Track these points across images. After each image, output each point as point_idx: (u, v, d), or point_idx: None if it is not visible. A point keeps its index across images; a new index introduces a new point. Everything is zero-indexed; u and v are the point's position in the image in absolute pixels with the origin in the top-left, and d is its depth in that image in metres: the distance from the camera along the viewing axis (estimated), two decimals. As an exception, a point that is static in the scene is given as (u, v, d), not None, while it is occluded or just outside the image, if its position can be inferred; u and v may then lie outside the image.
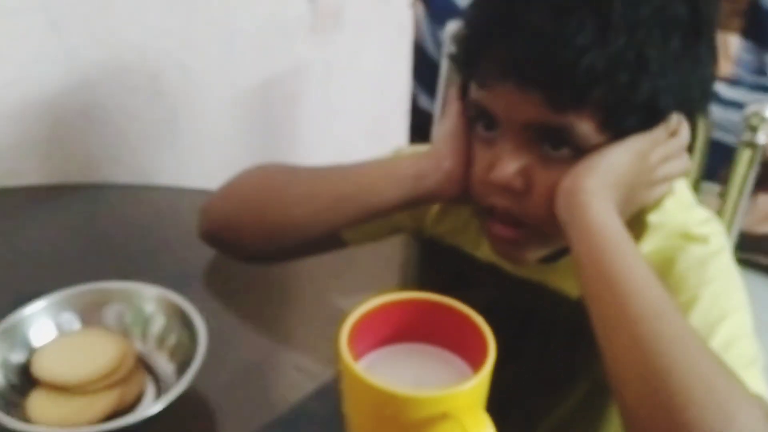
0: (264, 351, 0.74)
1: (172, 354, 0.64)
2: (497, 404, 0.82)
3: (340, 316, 0.81)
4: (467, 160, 0.69)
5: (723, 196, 0.91)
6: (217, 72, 1.17)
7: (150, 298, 0.66)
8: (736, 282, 0.68)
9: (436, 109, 1.15)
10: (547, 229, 0.67)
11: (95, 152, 1.07)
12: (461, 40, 0.67)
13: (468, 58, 0.66)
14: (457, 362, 0.56)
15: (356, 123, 1.48)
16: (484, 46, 0.64)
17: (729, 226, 0.91)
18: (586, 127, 0.61)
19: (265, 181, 0.77)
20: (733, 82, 2.61)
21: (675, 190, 0.72)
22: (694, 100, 0.66)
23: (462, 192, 0.70)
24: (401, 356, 0.56)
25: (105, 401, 0.60)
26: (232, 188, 0.78)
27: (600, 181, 0.61)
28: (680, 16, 0.61)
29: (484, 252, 0.81)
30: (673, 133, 0.65)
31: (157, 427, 0.58)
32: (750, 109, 0.86)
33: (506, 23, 0.61)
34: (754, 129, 0.87)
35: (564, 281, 0.76)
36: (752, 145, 0.87)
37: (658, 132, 0.64)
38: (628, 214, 0.66)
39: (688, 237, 0.69)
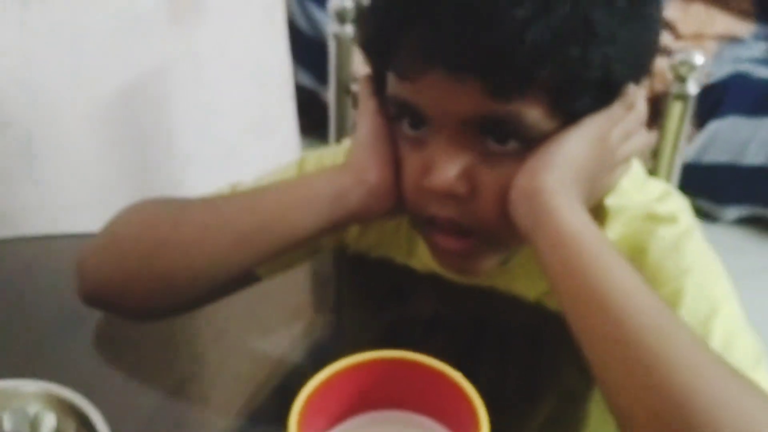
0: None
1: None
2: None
3: (264, 359, 0.70)
4: (394, 168, 0.58)
5: (655, 153, 0.84)
6: (68, 85, 1.00)
7: (31, 396, 0.52)
8: (714, 262, 0.61)
9: (330, 95, 1.02)
10: (501, 235, 0.57)
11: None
12: (369, 22, 0.55)
13: (381, 45, 0.55)
14: (438, 428, 0.46)
15: (238, 118, 1.33)
16: (401, 30, 0.52)
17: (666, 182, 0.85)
18: (534, 114, 0.52)
19: (149, 224, 0.62)
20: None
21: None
22: (646, 65, 0.57)
23: (393, 206, 0.59)
24: (372, 428, 0.46)
25: None
26: (109, 237, 0.63)
27: (561, 177, 0.52)
28: None
29: (421, 260, 0.70)
30: (630, 107, 0.56)
31: None
32: (677, 57, 0.79)
33: (423, 1, 0.50)
34: (682, 79, 0.79)
35: (517, 283, 0.67)
36: (683, 96, 0.80)
37: (616, 108, 0.55)
38: (592, 202, 0.57)
39: (654, 218, 0.62)
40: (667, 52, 2.33)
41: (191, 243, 0.59)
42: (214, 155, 1.29)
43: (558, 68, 0.50)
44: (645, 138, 0.59)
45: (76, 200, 1.03)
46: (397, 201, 0.59)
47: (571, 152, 0.53)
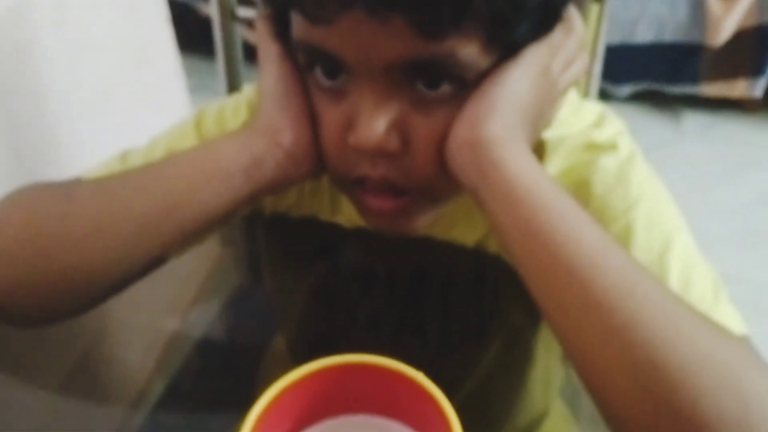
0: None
1: None
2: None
3: (184, 341, 0.64)
4: (311, 124, 0.51)
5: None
6: None
7: None
8: (660, 189, 0.58)
9: (214, 23, 0.92)
10: (438, 189, 0.52)
11: None
12: None
13: None
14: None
15: (111, 52, 1.20)
16: None
17: (587, 86, 0.81)
18: (469, 51, 0.45)
19: (33, 220, 0.52)
20: None
21: None
22: None
23: (314, 169, 0.52)
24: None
25: None
26: None
27: (506, 123, 0.46)
28: None
29: (346, 215, 0.64)
30: (570, 31, 0.51)
31: None
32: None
33: None
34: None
35: (453, 230, 0.63)
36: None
37: (556, 35, 0.49)
38: (536, 139, 0.52)
39: (594, 147, 0.58)
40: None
41: (84, 237, 0.51)
42: (91, 97, 1.16)
43: None
44: (583, 64, 0.53)
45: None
46: (318, 162, 0.52)
47: (513, 93, 0.47)
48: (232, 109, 0.62)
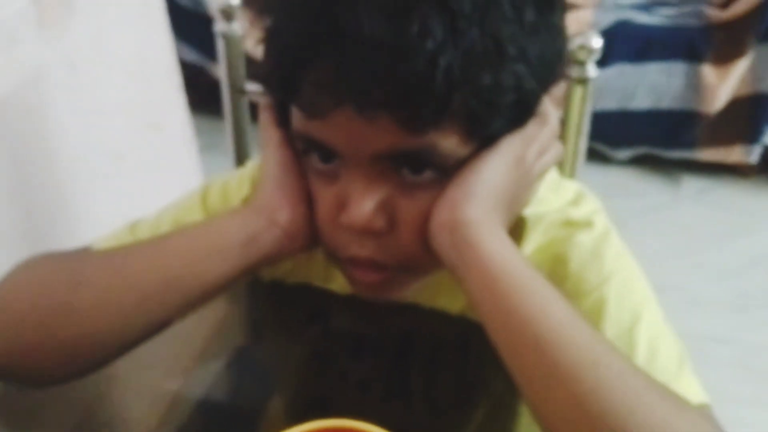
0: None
1: None
2: None
3: (184, 401, 0.67)
4: (307, 205, 0.55)
5: (561, 139, 0.83)
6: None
7: None
8: (633, 266, 0.62)
9: (224, 98, 0.97)
10: (419, 265, 0.55)
11: None
12: (269, 54, 0.51)
13: (283, 80, 0.51)
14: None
15: (124, 117, 1.25)
16: (305, 66, 0.48)
17: (572, 171, 0.85)
18: (449, 143, 0.50)
19: (45, 288, 0.57)
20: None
21: None
22: (558, 73, 0.55)
23: (308, 244, 0.56)
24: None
25: None
26: (1, 304, 0.57)
27: (482, 207, 0.50)
28: None
29: (339, 283, 0.68)
30: (543, 121, 0.55)
31: None
32: (575, 41, 0.78)
33: (329, 34, 0.46)
34: (582, 63, 0.79)
35: (438, 298, 0.66)
36: (583, 80, 0.79)
37: (531, 127, 0.54)
38: (512, 221, 0.56)
39: (571, 225, 0.62)
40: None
41: (93, 307, 0.55)
42: (101, 162, 1.21)
43: (472, 94, 0.48)
44: (557, 152, 0.58)
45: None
46: (312, 238, 0.56)
47: (489, 179, 0.51)
48: (236, 184, 0.66)
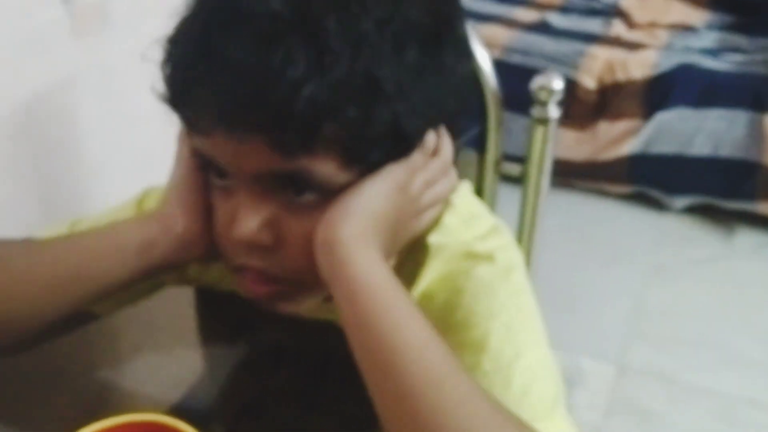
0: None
1: None
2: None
3: (110, 400, 0.71)
4: (205, 216, 0.58)
5: (522, 178, 0.84)
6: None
7: None
8: (528, 305, 0.62)
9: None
10: (308, 281, 0.58)
11: None
12: (165, 77, 0.56)
13: (174, 101, 0.55)
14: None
15: (150, 125, 1.32)
16: (187, 88, 0.52)
17: (534, 206, 0.85)
18: (325, 169, 0.52)
19: None
20: (565, 9, 2.61)
21: (454, 203, 0.64)
22: (450, 112, 0.57)
23: (204, 254, 0.59)
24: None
25: None
26: None
27: (358, 229, 0.52)
28: (412, 23, 0.52)
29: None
30: (435, 153, 0.57)
31: None
32: (536, 82, 0.79)
33: (205, 59, 0.50)
34: (543, 103, 0.80)
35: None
36: (544, 120, 0.80)
37: (415, 158, 0.55)
38: (398, 248, 0.58)
39: (472, 256, 0.62)
40: (619, 42, 2.33)
41: (6, 288, 0.60)
42: (126, 165, 1.29)
43: (341, 126, 0.50)
44: (450, 184, 0.59)
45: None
46: (208, 248, 0.59)
47: (368, 203, 0.53)
48: None
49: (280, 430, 0.72)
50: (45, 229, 0.69)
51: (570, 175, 2.22)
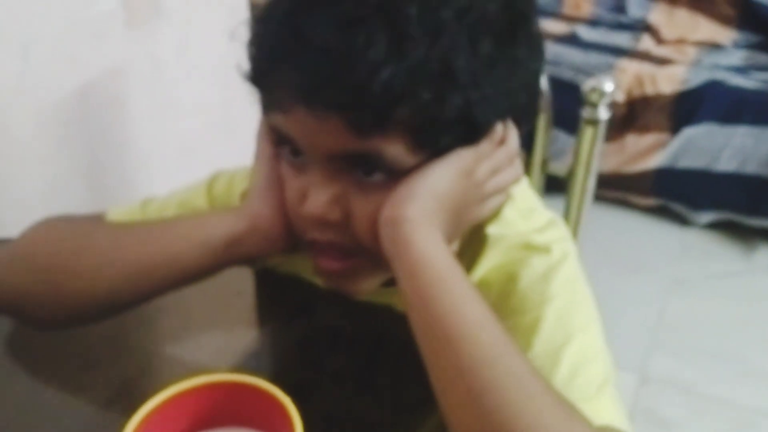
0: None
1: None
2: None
3: (172, 369, 0.73)
4: (286, 212, 0.61)
5: (569, 177, 0.87)
6: (14, 88, 1.03)
7: None
8: (582, 293, 0.64)
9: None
10: (376, 257, 0.60)
11: None
12: (249, 54, 0.58)
13: (258, 79, 0.58)
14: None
15: (198, 117, 1.36)
16: (271, 66, 0.55)
17: (579, 207, 0.88)
18: (395, 150, 0.54)
19: (56, 246, 0.66)
20: (593, 22, 2.63)
21: (514, 196, 0.66)
22: (520, 105, 0.59)
23: (286, 247, 0.62)
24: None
25: None
26: (17, 253, 0.67)
27: (422, 209, 0.55)
28: (490, 16, 0.54)
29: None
30: (501, 141, 0.59)
31: None
32: (588, 84, 0.81)
33: (291, 38, 0.53)
34: (594, 105, 0.82)
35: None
36: (593, 122, 0.82)
37: (483, 146, 0.57)
38: (461, 232, 0.61)
39: (530, 248, 0.65)
40: (648, 57, 2.35)
41: (91, 272, 0.63)
42: (172, 155, 1.32)
43: (414, 109, 0.52)
44: (516, 172, 0.61)
45: (23, 198, 1.07)
46: (290, 243, 0.62)
47: (433, 184, 0.55)
48: (241, 177, 0.73)
49: (332, 412, 0.75)
50: (117, 210, 0.72)
51: (597, 185, 2.23)
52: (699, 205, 2.26)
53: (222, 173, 0.75)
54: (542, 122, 0.86)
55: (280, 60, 0.54)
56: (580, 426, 0.48)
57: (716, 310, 2.03)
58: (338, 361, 0.75)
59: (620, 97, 2.22)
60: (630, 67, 2.29)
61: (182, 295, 0.73)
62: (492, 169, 0.59)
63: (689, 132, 2.20)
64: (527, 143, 0.89)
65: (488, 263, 0.65)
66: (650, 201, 2.31)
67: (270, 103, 0.57)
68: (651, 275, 2.14)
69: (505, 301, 0.62)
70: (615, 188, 2.30)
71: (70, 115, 1.12)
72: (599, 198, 2.33)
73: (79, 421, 0.64)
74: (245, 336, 0.79)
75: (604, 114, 0.83)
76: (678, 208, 2.31)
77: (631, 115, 2.24)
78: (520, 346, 0.57)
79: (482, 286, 0.65)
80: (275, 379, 0.74)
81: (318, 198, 0.57)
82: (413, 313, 0.53)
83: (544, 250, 0.64)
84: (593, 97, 0.82)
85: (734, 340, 1.93)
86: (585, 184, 0.85)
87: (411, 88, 0.51)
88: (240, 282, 0.79)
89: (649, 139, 2.23)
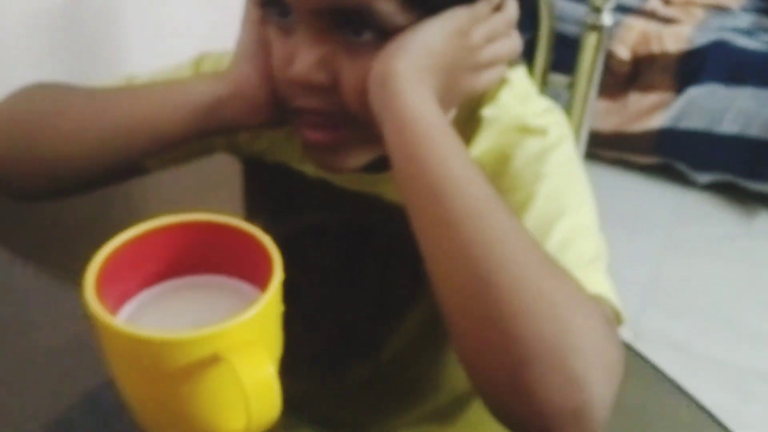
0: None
1: None
2: (337, 330, 0.75)
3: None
4: (272, 81, 0.58)
5: (571, 86, 0.84)
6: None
7: None
8: (577, 175, 0.61)
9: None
10: (364, 126, 0.58)
11: None
12: None
13: None
14: (253, 292, 0.47)
15: (188, 33, 1.33)
16: None
17: (580, 118, 0.85)
18: (386, 6, 0.52)
19: (33, 108, 0.63)
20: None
21: (512, 81, 0.64)
22: None
23: (268, 119, 0.60)
24: (182, 292, 0.47)
25: None
26: None
27: (413, 64, 0.52)
28: None
29: (312, 166, 0.71)
30: (498, 8, 0.57)
31: None
32: (592, -13, 0.79)
33: None
34: (597, 10, 0.80)
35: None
36: (597, 27, 0.80)
37: (479, 6, 0.55)
38: (454, 101, 0.58)
39: (525, 130, 0.62)
40: (655, 17, 2.32)
41: (69, 132, 0.61)
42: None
43: None
44: (514, 43, 0.59)
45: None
46: (273, 114, 0.59)
47: (426, 41, 0.53)
48: (230, 58, 0.71)
49: (319, 307, 0.73)
50: (102, 84, 0.70)
51: (596, 145, 2.21)
52: (700, 166, 2.24)
53: (210, 53, 0.73)
54: (544, 30, 0.84)
55: None
56: (566, 284, 0.46)
57: (713, 273, 2.01)
58: (324, 258, 0.73)
59: (625, 55, 2.19)
60: (636, 25, 2.25)
61: (165, 180, 0.71)
62: (488, 35, 0.56)
63: (693, 92, 2.17)
64: (528, 53, 0.86)
65: (482, 144, 0.62)
66: (651, 160, 2.29)
67: None
68: (648, 235, 2.12)
69: (498, 180, 0.59)
70: (616, 147, 2.28)
71: (60, 23, 1.10)
72: (599, 158, 2.33)
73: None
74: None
75: (607, 20, 0.81)
76: (679, 167, 2.29)
77: (635, 74, 2.22)
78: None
79: (476, 167, 0.63)
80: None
81: (305, 59, 0.54)
82: (400, 170, 0.51)
83: (540, 132, 0.62)
84: (597, 1, 0.79)
85: (729, 302, 1.92)
86: (587, 94, 0.83)
87: None
88: (226, 170, 0.77)
89: (652, 98, 2.20)
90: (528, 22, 0.85)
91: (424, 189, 0.49)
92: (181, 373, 0.39)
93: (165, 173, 0.69)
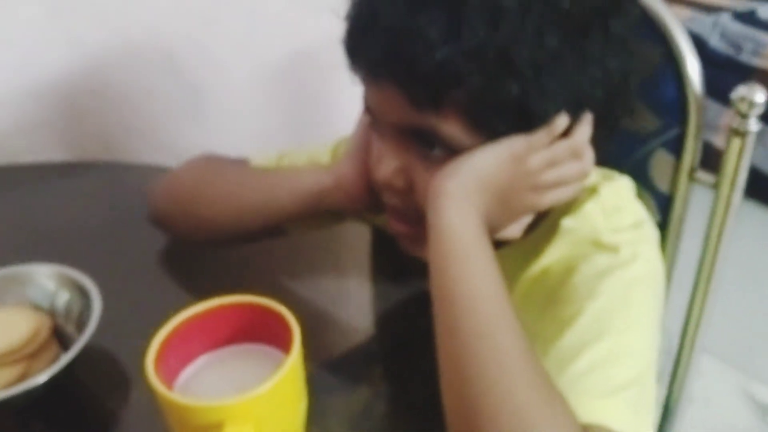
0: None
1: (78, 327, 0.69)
2: (432, 402, 0.82)
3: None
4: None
5: (716, 187, 0.81)
6: (238, 48, 1.19)
7: (50, 276, 0.72)
8: (638, 297, 0.61)
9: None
10: None
11: (113, 130, 1.13)
12: (345, 32, 0.65)
13: (347, 52, 0.64)
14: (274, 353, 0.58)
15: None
16: (354, 42, 0.62)
17: (722, 224, 0.82)
18: (451, 129, 0.58)
19: (197, 176, 0.81)
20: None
21: (601, 193, 0.66)
22: (594, 101, 0.59)
23: (365, 208, 0.70)
24: (230, 359, 0.58)
25: (7, 376, 0.65)
26: (172, 178, 0.82)
27: (460, 184, 0.58)
28: (559, 9, 0.55)
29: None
30: (567, 133, 0.60)
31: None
32: (737, 93, 0.76)
33: (367, 17, 0.59)
34: (744, 116, 0.77)
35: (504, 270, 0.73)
36: (742, 133, 0.77)
37: (538, 135, 0.58)
38: (513, 217, 0.62)
39: (597, 244, 0.64)
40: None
41: (219, 200, 0.77)
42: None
43: (469, 91, 0.55)
44: (579, 168, 0.61)
45: (234, 143, 1.23)
46: (369, 203, 0.69)
47: (476, 165, 0.57)
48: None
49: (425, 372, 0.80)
50: (259, 157, 0.84)
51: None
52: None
53: (345, 139, 0.83)
54: (691, 128, 0.82)
55: (359, 36, 0.60)
56: (553, 412, 0.49)
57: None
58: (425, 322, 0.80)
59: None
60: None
61: (302, 238, 0.84)
62: (548, 160, 0.59)
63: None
64: (677, 148, 0.85)
65: (555, 253, 0.65)
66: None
67: (357, 75, 0.64)
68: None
69: (558, 291, 0.62)
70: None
71: (282, 75, 1.26)
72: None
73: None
74: (355, 286, 0.87)
75: (754, 126, 0.77)
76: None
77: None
78: (549, 334, 0.58)
79: (543, 274, 0.66)
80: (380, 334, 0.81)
81: (387, 165, 0.62)
82: (432, 277, 0.56)
83: (611, 249, 0.63)
84: (742, 107, 0.76)
85: None
86: (730, 198, 0.80)
87: (464, 71, 0.54)
88: (355, 236, 0.88)
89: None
90: (678, 115, 0.84)
91: (443, 300, 0.54)
92: (196, 430, 0.50)
93: (303, 236, 0.82)
